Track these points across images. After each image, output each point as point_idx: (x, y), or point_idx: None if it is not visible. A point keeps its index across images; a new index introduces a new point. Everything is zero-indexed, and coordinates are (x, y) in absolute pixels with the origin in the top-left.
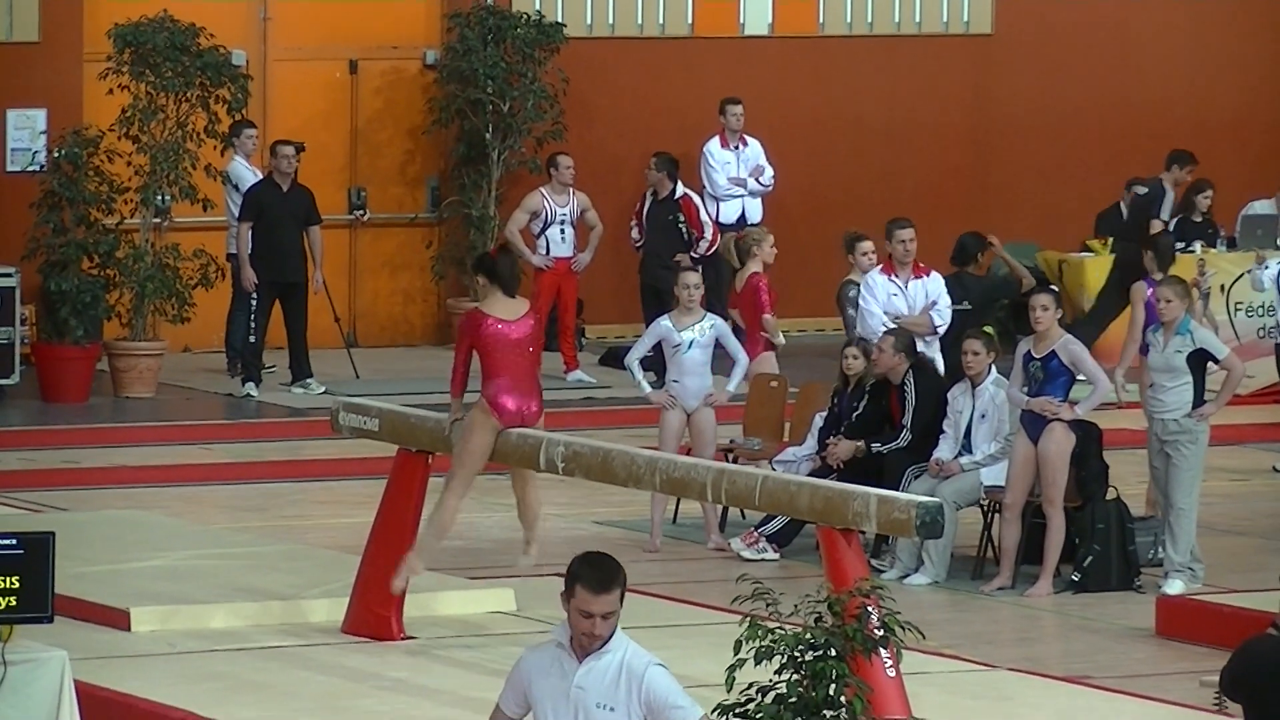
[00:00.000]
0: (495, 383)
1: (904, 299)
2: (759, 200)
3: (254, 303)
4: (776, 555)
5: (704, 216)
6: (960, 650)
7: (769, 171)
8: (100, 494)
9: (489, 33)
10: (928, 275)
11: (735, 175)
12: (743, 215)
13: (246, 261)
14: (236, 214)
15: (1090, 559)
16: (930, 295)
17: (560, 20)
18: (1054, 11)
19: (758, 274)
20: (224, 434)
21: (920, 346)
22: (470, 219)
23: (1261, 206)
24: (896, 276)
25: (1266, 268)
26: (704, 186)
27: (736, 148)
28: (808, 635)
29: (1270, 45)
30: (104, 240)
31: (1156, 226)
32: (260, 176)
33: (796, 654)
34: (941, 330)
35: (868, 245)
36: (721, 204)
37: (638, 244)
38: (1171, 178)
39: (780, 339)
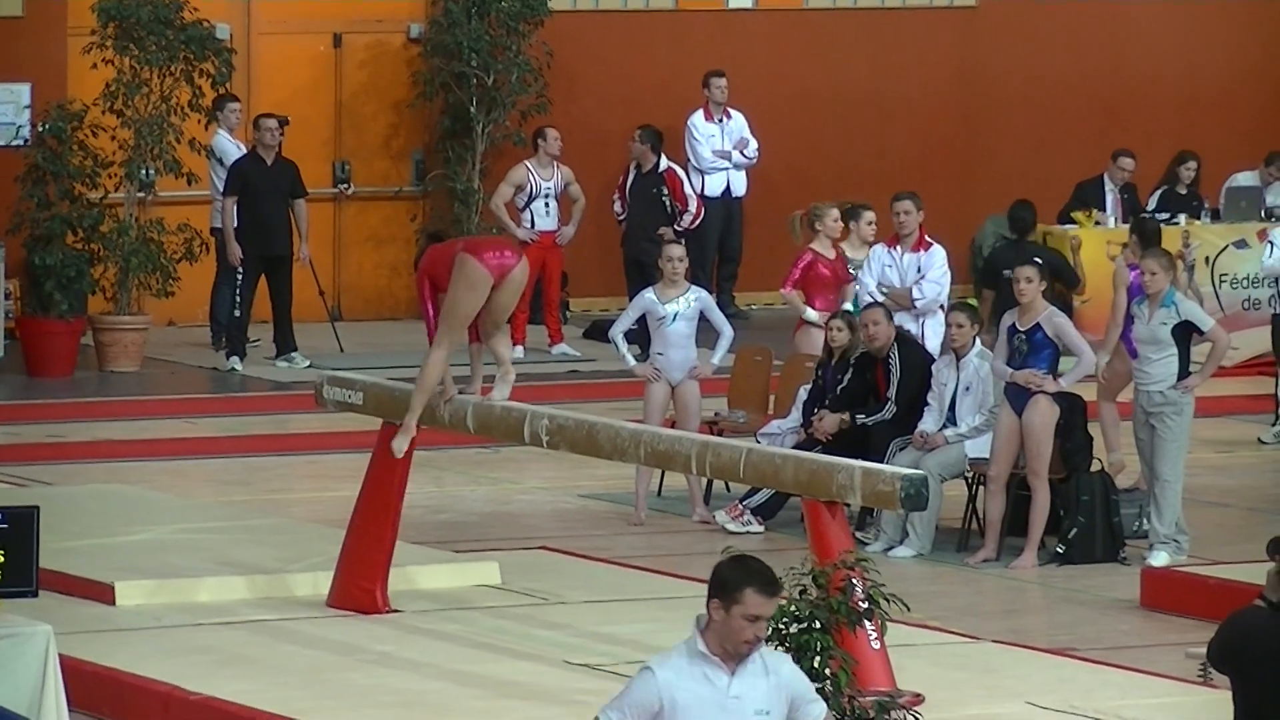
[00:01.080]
0: (467, 241)
1: (897, 271)
2: (743, 173)
3: (239, 277)
4: (761, 528)
5: (688, 190)
6: (945, 622)
7: (753, 144)
8: (85, 468)
9: (473, 6)
10: (927, 250)
11: (720, 148)
12: (727, 188)
13: (232, 236)
14: (221, 188)
15: (1075, 531)
16: (923, 269)
17: None
18: None
19: (809, 250)
20: (209, 408)
21: (907, 320)
22: (455, 192)
23: (1245, 178)
24: (897, 248)
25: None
26: (688, 160)
27: (721, 121)
28: (793, 608)
29: (1257, 17)
30: (88, 215)
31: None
32: (245, 151)
33: (781, 626)
34: (921, 304)
35: (871, 215)
36: (706, 177)
37: (620, 217)
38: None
39: (808, 314)
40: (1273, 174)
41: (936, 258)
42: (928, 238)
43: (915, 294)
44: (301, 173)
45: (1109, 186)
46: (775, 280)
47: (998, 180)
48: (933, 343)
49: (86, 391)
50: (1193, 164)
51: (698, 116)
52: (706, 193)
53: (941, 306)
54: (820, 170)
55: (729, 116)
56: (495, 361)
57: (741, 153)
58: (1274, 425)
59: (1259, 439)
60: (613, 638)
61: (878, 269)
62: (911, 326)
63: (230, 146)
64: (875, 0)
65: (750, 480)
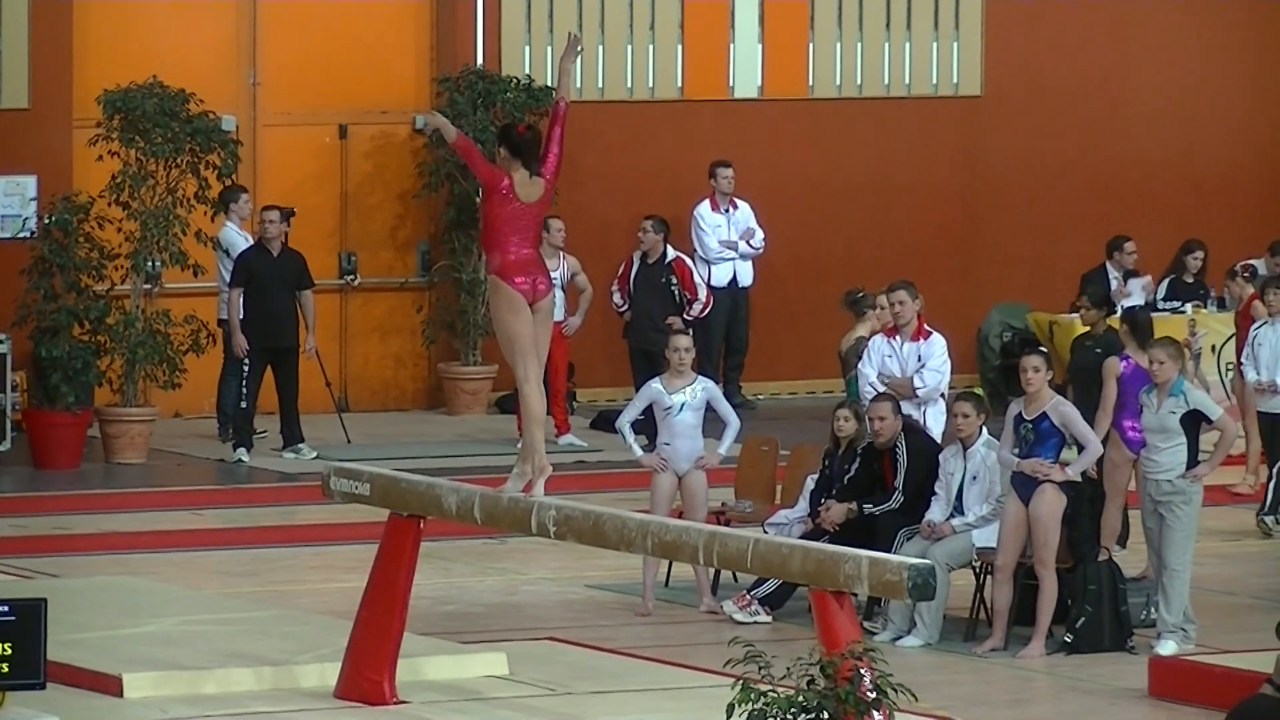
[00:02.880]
0: (500, 257)
1: (897, 361)
2: (749, 263)
3: (245, 368)
4: (769, 618)
5: (697, 279)
6: (953, 712)
7: (759, 234)
8: (92, 560)
9: (479, 97)
10: (926, 339)
11: (726, 238)
12: (734, 278)
13: (238, 327)
14: (227, 279)
15: (1083, 620)
16: (923, 358)
17: (550, 84)
18: (1043, 72)
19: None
20: (216, 499)
21: (910, 410)
22: (461, 283)
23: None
24: (896, 338)
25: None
26: (694, 249)
27: (727, 210)
28: (800, 698)
29: (1259, 103)
30: (95, 306)
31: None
32: (252, 242)
33: (789, 716)
34: (922, 393)
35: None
36: (712, 267)
37: (621, 309)
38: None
39: None
40: (1278, 264)
41: (936, 346)
42: (926, 326)
43: (916, 383)
44: (308, 263)
45: (1112, 274)
46: (781, 369)
47: (1001, 268)
48: (934, 431)
49: (93, 483)
50: (1200, 253)
51: (704, 206)
52: (713, 282)
53: (942, 395)
54: (824, 258)
55: (735, 206)
56: (528, 449)
57: (748, 243)
58: (1263, 511)
59: (1259, 520)
60: None
61: (878, 359)
62: (914, 414)
63: (237, 238)
64: (880, 90)
65: (758, 570)
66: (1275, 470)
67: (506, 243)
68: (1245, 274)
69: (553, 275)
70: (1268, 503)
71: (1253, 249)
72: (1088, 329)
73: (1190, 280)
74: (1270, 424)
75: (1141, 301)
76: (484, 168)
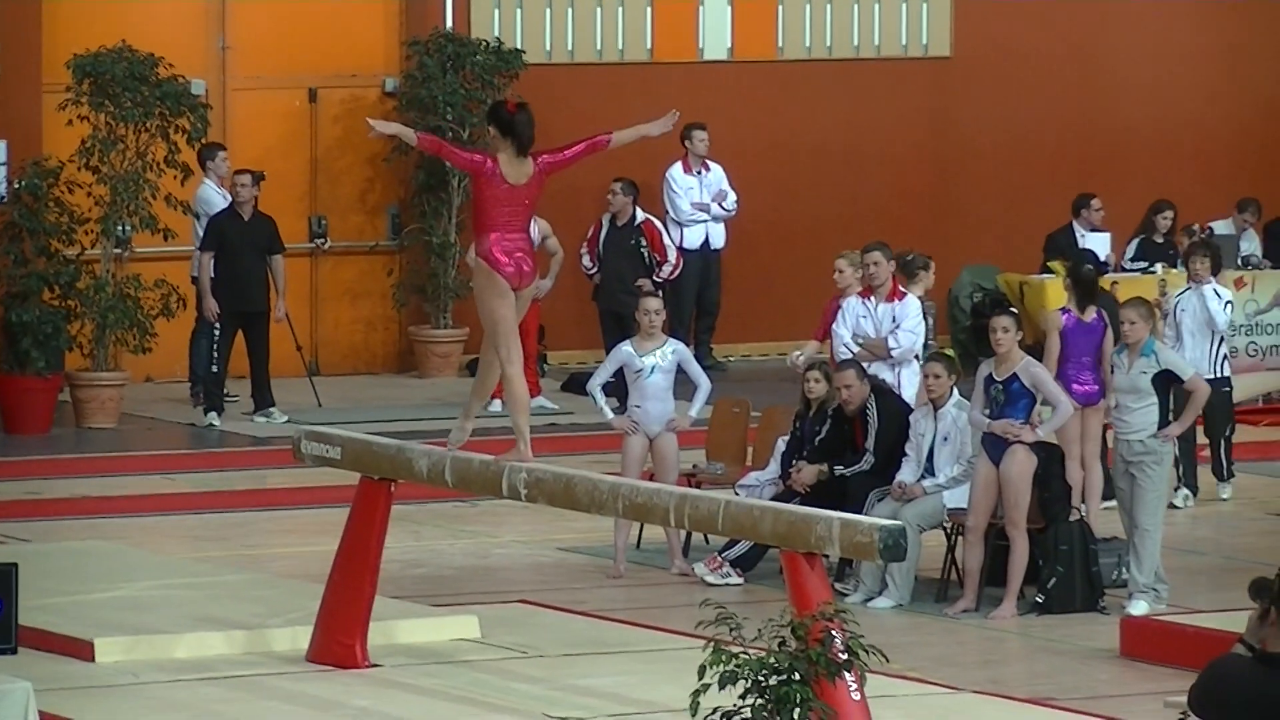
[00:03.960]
0: (488, 238)
1: (872, 322)
2: (722, 226)
3: (216, 332)
4: (740, 580)
5: (667, 241)
6: (925, 673)
7: (731, 196)
8: (63, 525)
9: (448, 60)
10: (901, 300)
11: (698, 200)
12: (706, 241)
13: (208, 291)
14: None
15: (1054, 581)
16: (898, 319)
17: (519, 46)
18: (1013, 34)
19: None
20: (187, 464)
21: (883, 370)
22: (431, 246)
23: (1220, 227)
24: (871, 299)
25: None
26: (666, 212)
27: (699, 173)
28: (772, 660)
29: (1231, 66)
30: (65, 271)
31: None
32: (229, 201)
33: (761, 678)
34: (897, 354)
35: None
36: (685, 229)
37: (590, 271)
38: (1242, 220)
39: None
40: (1246, 220)
41: (911, 307)
42: (901, 288)
43: (891, 344)
44: (278, 227)
45: (1080, 233)
46: (753, 332)
47: (972, 230)
48: (908, 392)
49: (64, 448)
50: (1169, 213)
51: (676, 169)
52: (685, 245)
53: (917, 356)
54: (795, 221)
55: (707, 169)
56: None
57: (720, 205)
58: (1179, 488)
59: (1171, 504)
60: (592, 690)
61: (852, 320)
62: (887, 376)
63: (215, 196)
64: (849, 51)
65: (729, 532)
66: (1223, 442)
67: (494, 225)
68: (1203, 234)
69: None
70: (1225, 468)
71: (1223, 209)
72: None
73: (1160, 240)
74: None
75: (1102, 257)
76: (460, 157)
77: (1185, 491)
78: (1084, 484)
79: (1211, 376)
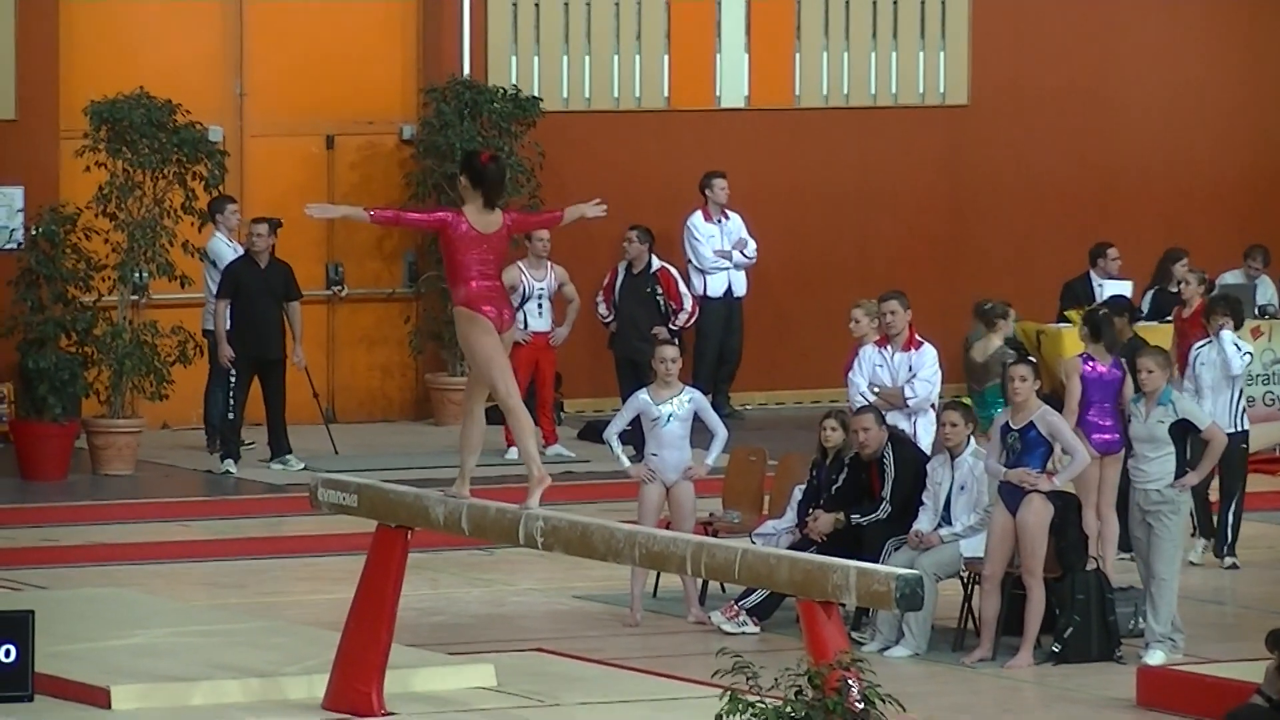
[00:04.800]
0: (465, 287)
1: (888, 371)
2: (743, 273)
3: (232, 379)
4: (757, 628)
5: (682, 289)
6: None
7: (752, 244)
8: (79, 571)
9: (465, 107)
10: (918, 349)
11: (720, 248)
12: (729, 288)
13: (224, 338)
14: (214, 289)
15: (1070, 629)
16: (914, 368)
17: (536, 94)
18: (1029, 81)
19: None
20: (203, 510)
21: (899, 419)
22: (447, 293)
23: (1232, 277)
24: (887, 348)
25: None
26: (688, 260)
27: (720, 221)
28: (788, 708)
29: (1245, 111)
30: (82, 317)
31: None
32: (240, 252)
33: None
34: (913, 403)
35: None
36: (708, 277)
37: (606, 319)
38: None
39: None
40: (1255, 268)
41: (927, 356)
42: (918, 336)
43: (907, 393)
44: (295, 274)
45: (1096, 282)
46: (770, 379)
47: (988, 277)
48: (925, 441)
49: (80, 495)
50: (1185, 261)
51: (697, 217)
52: (709, 293)
53: (933, 405)
54: (813, 268)
55: (727, 217)
56: (524, 462)
57: (741, 252)
58: (1197, 537)
59: (1189, 561)
60: None
61: (869, 369)
62: (904, 425)
63: (225, 249)
64: (867, 99)
65: (745, 581)
66: (1233, 504)
67: (469, 274)
68: (1203, 282)
69: (539, 285)
70: (1229, 541)
71: (1237, 254)
72: None
73: (1175, 290)
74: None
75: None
76: (422, 220)
77: (1203, 542)
78: (1100, 533)
79: (1231, 430)
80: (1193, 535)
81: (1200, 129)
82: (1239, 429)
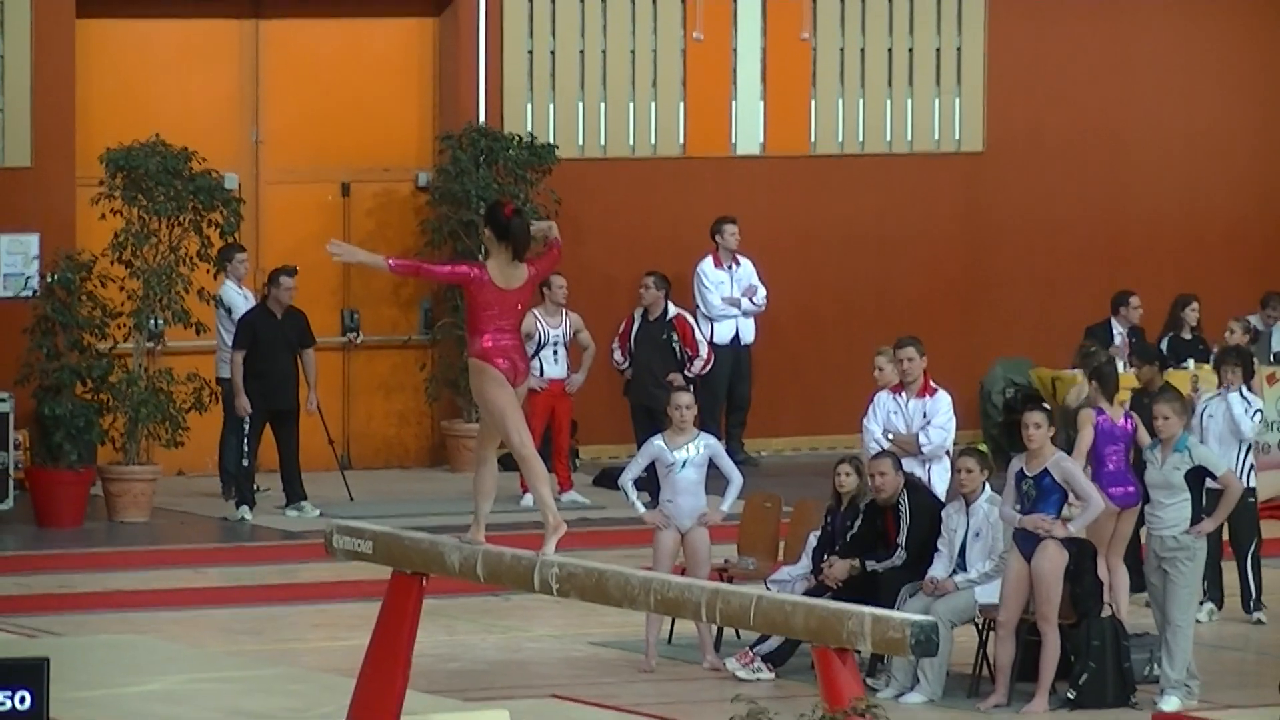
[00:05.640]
0: (480, 339)
1: (902, 418)
2: (752, 320)
3: (246, 427)
4: (772, 675)
5: (698, 336)
6: None
7: (762, 291)
8: (95, 618)
9: (481, 154)
10: (932, 395)
11: (729, 295)
12: (736, 335)
13: (240, 389)
14: (227, 337)
15: (1086, 676)
16: (929, 415)
17: (552, 141)
18: (1045, 127)
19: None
20: (218, 557)
21: (914, 466)
22: (463, 340)
23: (1252, 321)
24: (902, 395)
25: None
26: (697, 306)
27: (730, 267)
28: None
29: (1262, 156)
30: (97, 365)
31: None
32: (251, 300)
33: None
34: (928, 450)
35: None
36: (715, 324)
37: (622, 366)
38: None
39: None
40: (1272, 316)
41: (942, 403)
42: (932, 383)
43: (922, 440)
44: (310, 321)
45: (1118, 329)
46: (784, 426)
47: (1004, 323)
48: (939, 488)
49: (96, 541)
50: (1195, 306)
51: (707, 263)
52: (716, 340)
53: (947, 452)
54: (827, 315)
55: (737, 263)
56: (540, 509)
57: (750, 300)
58: (1202, 604)
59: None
60: None
61: (883, 415)
62: (918, 471)
63: (238, 298)
64: (882, 146)
65: (760, 627)
66: (1250, 559)
67: (486, 328)
68: (1247, 332)
69: (555, 332)
70: (1255, 596)
71: (1253, 303)
72: (1143, 386)
73: (1188, 336)
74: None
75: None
76: (443, 273)
77: (1210, 606)
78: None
79: None
80: (1201, 601)
81: (1217, 175)
82: (1246, 485)
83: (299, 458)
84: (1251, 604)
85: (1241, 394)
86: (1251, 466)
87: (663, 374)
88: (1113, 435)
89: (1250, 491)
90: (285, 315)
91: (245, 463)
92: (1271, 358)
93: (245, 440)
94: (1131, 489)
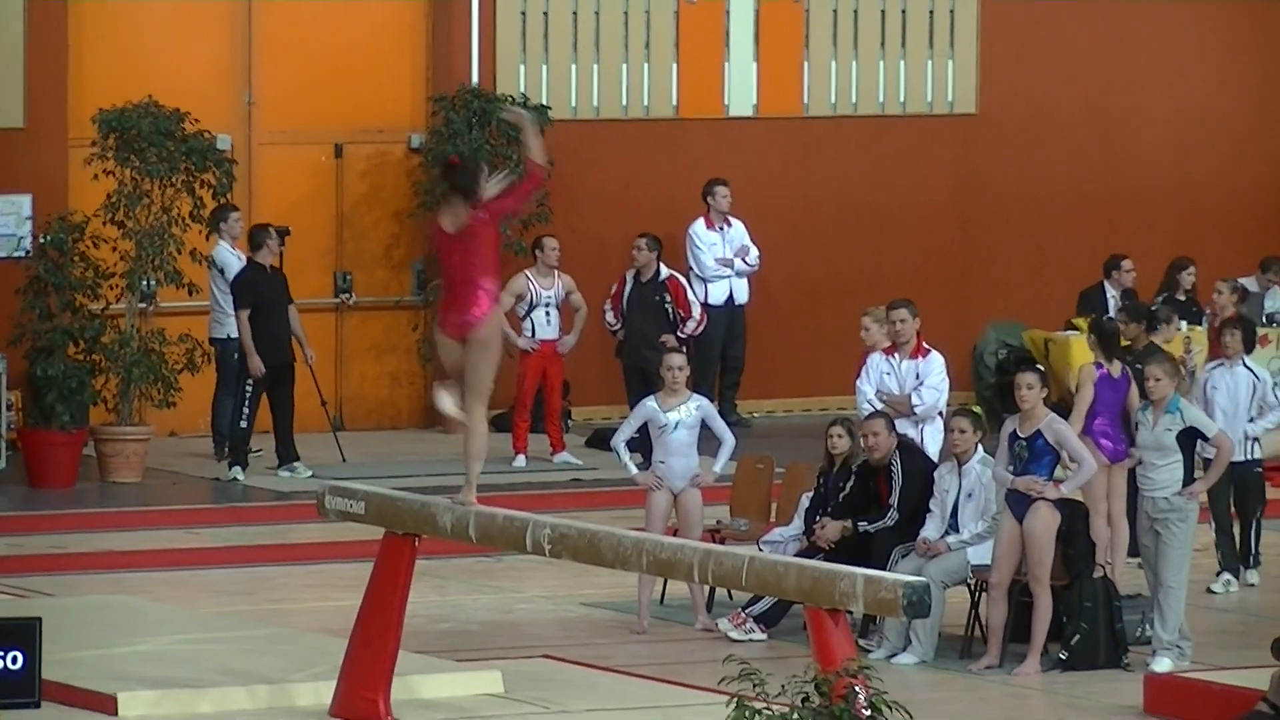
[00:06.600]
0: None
1: (895, 379)
2: (745, 281)
3: (249, 388)
4: (764, 636)
5: (691, 297)
6: None
7: (754, 252)
8: (87, 579)
9: (474, 116)
10: (925, 356)
11: (721, 256)
12: (730, 296)
13: (252, 349)
14: (220, 298)
15: (1078, 637)
16: (921, 376)
17: (545, 103)
18: (1039, 91)
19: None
20: (210, 518)
21: (906, 427)
22: None
23: (1249, 285)
24: (895, 356)
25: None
26: (690, 268)
27: (721, 229)
28: (795, 716)
29: (1257, 122)
30: (90, 326)
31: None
32: (244, 261)
33: None
34: (920, 411)
35: None
36: (709, 285)
37: (614, 328)
38: (1266, 279)
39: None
40: (1271, 279)
41: (935, 364)
42: (925, 345)
43: (914, 401)
44: (303, 282)
45: (1110, 293)
46: (777, 388)
47: (996, 287)
48: (932, 449)
49: (88, 502)
50: (1191, 269)
51: (699, 225)
52: (710, 301)
53: (940, 413)
54: (819, 277)
55: (729, 224)
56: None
57: (744, 260)
58: (1220, 574)
59: (1208, 589)
60: None
61: (876, 376)
62: (910, 433)
63: (231, 258)
64: (875, 108)
65: (753, 588)
66: (1254, 525)
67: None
68: (1235, 292)
69: (547, 294)
70: (1253, 558)
71: (1248, 269)
72: (1128, 344)
73: (1183, 298)
74: (1239, 476)
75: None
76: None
77: (1227, 577)
78: (1110, 540)
79: (1243, 458)
80: (1218, 572)
81: (1210, 142)
82: (1250, 456)
83: (293, 419)
84: (1253, 559)
85: (1246, 365)
86: (1256, 439)
87: (655, 335)
88: (1106, 388)
89: (1256, 462)
90: (273, 272)
91: (243, 424)
92: (1264, 319)
93: (246, 402)
94: (1120, 444)
